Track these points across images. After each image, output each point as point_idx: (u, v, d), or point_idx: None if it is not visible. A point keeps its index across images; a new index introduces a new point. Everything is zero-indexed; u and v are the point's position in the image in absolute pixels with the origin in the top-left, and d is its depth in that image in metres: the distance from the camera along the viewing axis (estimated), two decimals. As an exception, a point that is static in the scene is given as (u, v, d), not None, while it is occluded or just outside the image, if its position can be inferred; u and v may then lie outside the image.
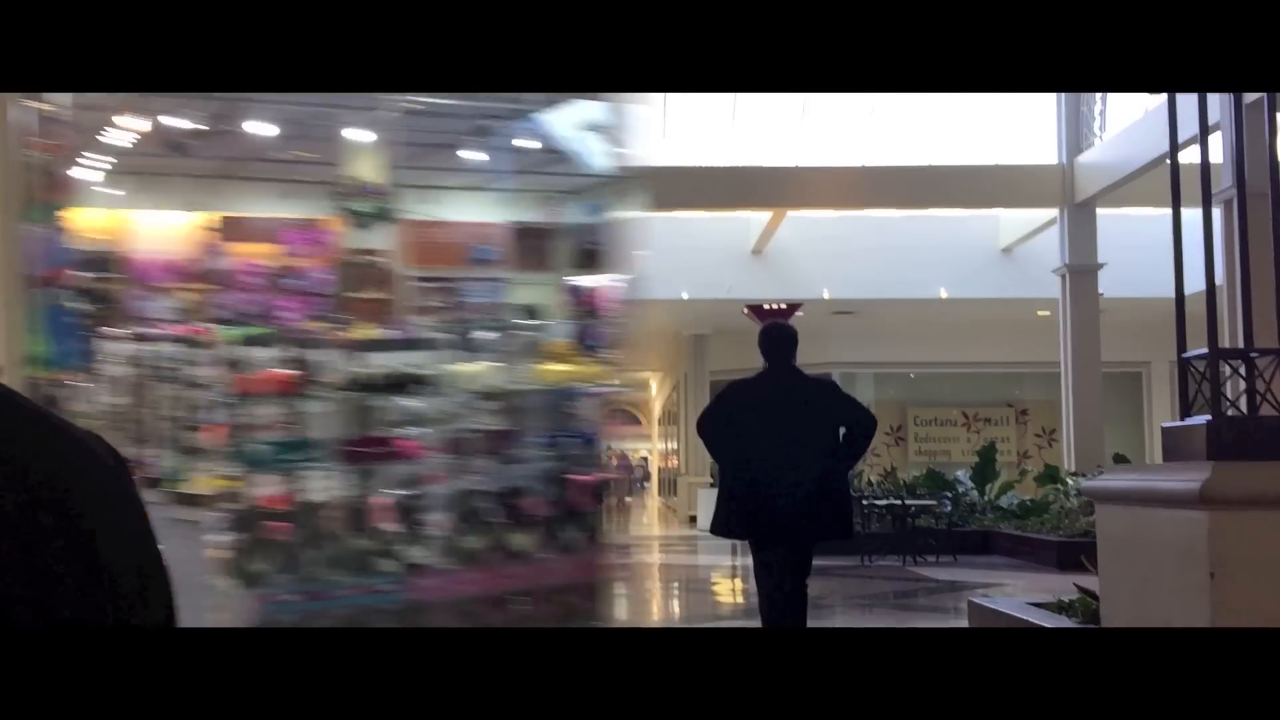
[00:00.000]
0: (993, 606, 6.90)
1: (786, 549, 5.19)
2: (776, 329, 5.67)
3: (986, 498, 15.85)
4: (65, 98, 5.06)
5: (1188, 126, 4.82)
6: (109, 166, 6.43)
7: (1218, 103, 6.05)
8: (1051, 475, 14.68)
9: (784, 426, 5.18)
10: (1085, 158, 14.16)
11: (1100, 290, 14.41)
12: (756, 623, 5.37)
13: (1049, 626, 5.77)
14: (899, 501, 13.81)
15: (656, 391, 37.25)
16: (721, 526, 5.44)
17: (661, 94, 13.26)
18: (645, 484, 46.37)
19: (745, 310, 17.84)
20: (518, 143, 6.95)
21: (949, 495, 14.89)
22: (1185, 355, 3.99)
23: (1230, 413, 3.80)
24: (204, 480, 4.79)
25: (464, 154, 7.21)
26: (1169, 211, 4.23)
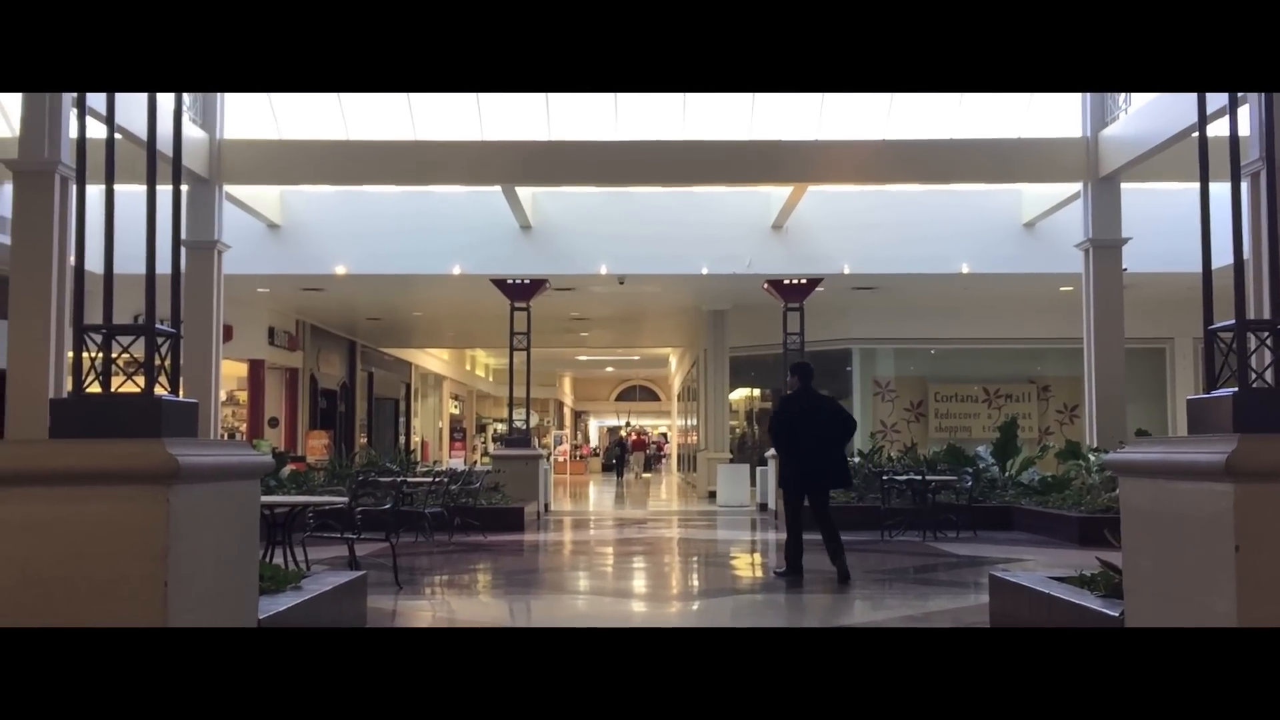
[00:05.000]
0: (1014, 580, 6.89)
1: (814, 492, 9.49)
2: (808, 365, 9.89)
3: (1007, 474, 15.82)
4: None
5: (1215, 99, 4.77)
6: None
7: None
8: (1073, 451, 14.62)
9: (815, 426, 9.35)
10: (1110, 131, 14.02)
11: (1124, 265, 14.30)
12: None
13: (1073, 610, 5.76)
14: (919, 477, 13.79)
15: (676, 367, 37.27)
16: (786, 482, 9.72)
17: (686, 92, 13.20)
18: (664, 458, 46.48)
19: (765, 285, 17.80)
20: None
21: (970, 471, 14.85)
22: (1212, 327, 3.95)
23: (1257, 384, 3.78)
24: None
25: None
26: (1193, 185, 4.19)
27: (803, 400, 9.54)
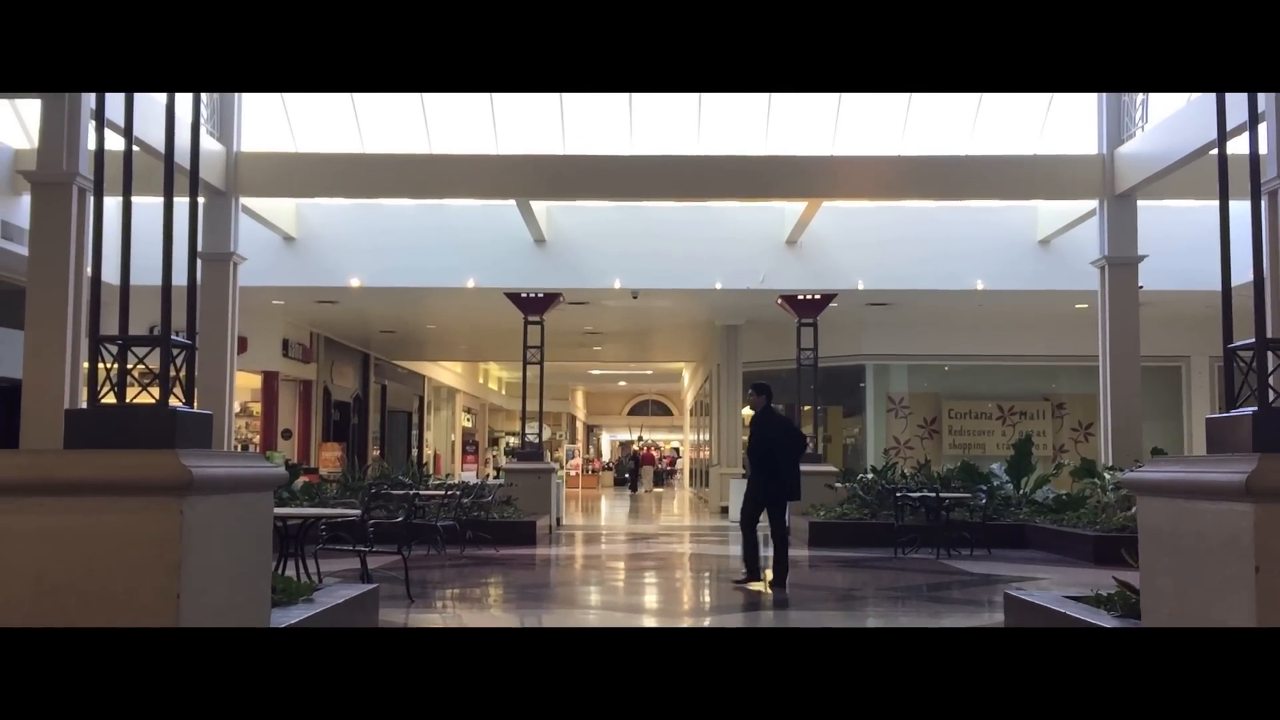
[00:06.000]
0: (1030, 600, 6.84)
1: (779, 500, 10.29)
2: (768, 385, 10.70)
3: (1022, 491, 15.73)
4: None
5: (1233, 116, 4.75)
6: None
7: (1264, 93, 5.95)
8: (1088, 469, 14.54)
9: (778, 442, 10.23)
10: (1126, 148, 13.97)
11: (1140, 283, 14.24)
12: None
13: (1084, 624, 5.71)
14: (933, 494, 13.72)
15: (689, 382, 37.22)
16: (765, 497, 10.23)
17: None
18: (676, 474, 46.38)
19: (779, 300, 17.78)
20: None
21: (984, 488, 14.78)
22: (1232, 345, 3.93)
23: (1277, 404, 3.74)
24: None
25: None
26: (1210, 203, 4.17)
27: (768, 419, 10.48)
